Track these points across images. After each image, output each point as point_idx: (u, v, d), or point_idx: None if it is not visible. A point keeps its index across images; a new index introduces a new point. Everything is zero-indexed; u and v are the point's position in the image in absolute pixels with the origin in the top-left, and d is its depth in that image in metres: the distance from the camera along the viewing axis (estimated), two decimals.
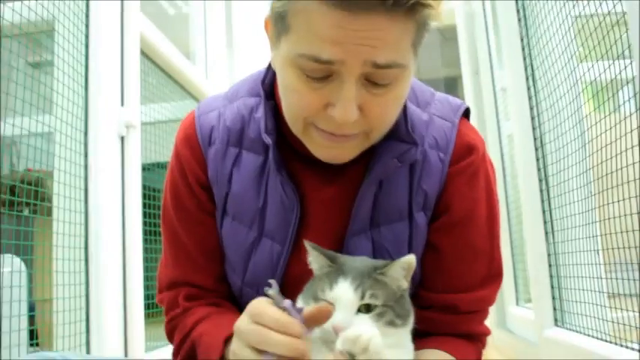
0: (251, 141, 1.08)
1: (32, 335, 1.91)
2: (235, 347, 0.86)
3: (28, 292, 1.85)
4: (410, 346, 0.95)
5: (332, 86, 0.87)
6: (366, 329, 0.77)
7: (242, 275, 1.10)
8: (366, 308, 0.87)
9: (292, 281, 1.07)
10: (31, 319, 1.90)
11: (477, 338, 1.13)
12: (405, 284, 0.95)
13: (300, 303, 0.92)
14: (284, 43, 0.89)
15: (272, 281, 0.85)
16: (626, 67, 1.48)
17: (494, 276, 1.12)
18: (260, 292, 1.08)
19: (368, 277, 0.89)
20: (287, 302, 0.83)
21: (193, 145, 1.11)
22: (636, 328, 1.52)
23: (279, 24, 0.89)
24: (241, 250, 1.09)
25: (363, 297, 0.86)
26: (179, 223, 1.12)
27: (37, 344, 1.91)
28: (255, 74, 1.13)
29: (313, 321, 0.82)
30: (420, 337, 1.03)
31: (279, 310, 0.82)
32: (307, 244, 0.96)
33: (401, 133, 1.00)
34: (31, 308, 1.89)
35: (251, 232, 1.08)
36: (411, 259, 0.92)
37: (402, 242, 1.06)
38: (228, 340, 0.96)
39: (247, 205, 1.08)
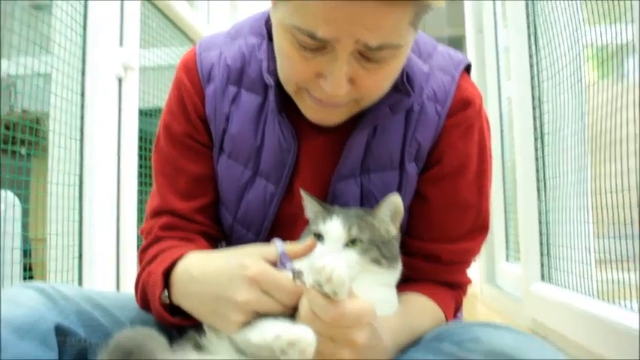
0: (251, 81, 1.08)
1: (28, 270, 1.94)
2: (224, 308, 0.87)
3: (22, 226, 1.87)
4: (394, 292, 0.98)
5: (324, 58, 0.86)
6: (331, 260, 0.78)
7: (234, 213, 1.11)
8: (352, 244, 0.91)
9: (282, 222, 1.09)
10: (26, 254, 1.92)
11: (458, 287, 1.14)
12: (394, 230, 0.97)
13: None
14: (281, 7, 0.88)
15: (277, 240, 0.89)
16: (626, 30, 1.47)
17: (479, 229, 1.11)
18: (251, 231, 1.10)
19: (357, 217, 0.93)
20: (288, 263, 0.88)
21: (194, 79, 1.10)
22: (623, 285, 1.54)
23: None
24: (235, 188, 1.10)
25: (350, 232, 0.90)
26: (168, 149, 1.12)
27: (31, 277, 1.94)
28: (259, 14, 1.12)
29: (301, 254, 0.87)
30: (403, 282, 1.05)
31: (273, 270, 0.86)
32: (303, 193, 1.00)
33: (396, 82, 0.99)
34: (26, 243, 1.92)
35: (246, 171, 1.09)
36: (395, 198, 0.95)
37: (391, 190, 1.06)
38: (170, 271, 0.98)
39: (244, 144, 1.08)
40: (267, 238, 1.07)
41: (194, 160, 1.12)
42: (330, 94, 0.89)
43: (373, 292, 0.89)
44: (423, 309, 1.04)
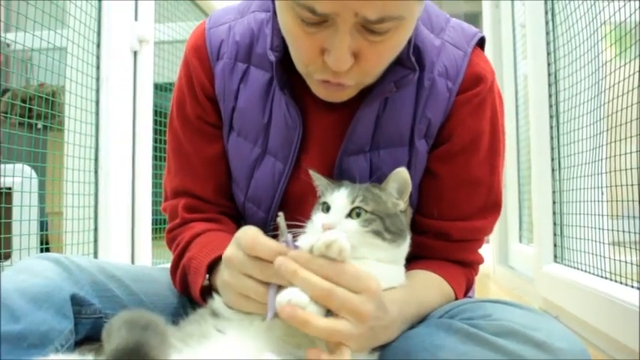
0: (259, 57, 1.08)
1: (44, 242, 1.96)
2: (228, 276, 0.88)
3: (39, 198, 1.89)
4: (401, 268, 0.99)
5: (327, 32, 0.86)
6: (330, 234, 0.82)
7: (245, 191, 1.12)
8: (357, 215, 0.91)
9: (291, 199, 1.09)
10: (42, 227, 1.95)
11: (469, 265, 1.14)
12: (402, 205, 0.97)
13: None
14: None
15: (280, 213, 0.88)
16: None
17: (491, 207, 1.11)
18: (261, 209, 1.11)
19: (364, 190, 0.94)
20: (288, 236, 0.86)
21: (202, 57, 1.11)
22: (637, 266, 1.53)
23: None
24: (245, 166, 1.11)
25: (353, 202, 0.91)
26: (182, 131, 1.14)
27: (48, 250, 1.96)
28: None
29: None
30: (413, 261, 1.06)
31: (270, 240, 0.85)
32: (310, 171, 1.01)
33: (402, 57, 0.98)
34: (43, 215, 1.94)
35: (255, 149, 1.09)
36: (402, 171, 0.96)
37: (401, 167, 1.06)
38: (215, 264, 0.99)
39: (252, 122, 1.09)
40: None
41: (207, 142, 1.13)
42: (333, 68, 0.88)
43: (377, 268, 0.89)
44: (432, 284, 1.05)
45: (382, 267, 0.91)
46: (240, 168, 1.12)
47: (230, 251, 0.88)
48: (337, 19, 0.83)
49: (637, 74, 1.47)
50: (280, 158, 1.08)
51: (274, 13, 0.99)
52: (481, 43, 1.10)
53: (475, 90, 1.05)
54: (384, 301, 0.85)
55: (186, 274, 1.05)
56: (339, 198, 0.92)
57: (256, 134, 1.09)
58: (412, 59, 0.99)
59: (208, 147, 1.13)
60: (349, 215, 0.91)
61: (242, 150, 1.11)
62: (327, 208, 0.93)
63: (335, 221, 0.89)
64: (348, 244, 0.81)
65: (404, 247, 0.97)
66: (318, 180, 1.01)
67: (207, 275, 1.01)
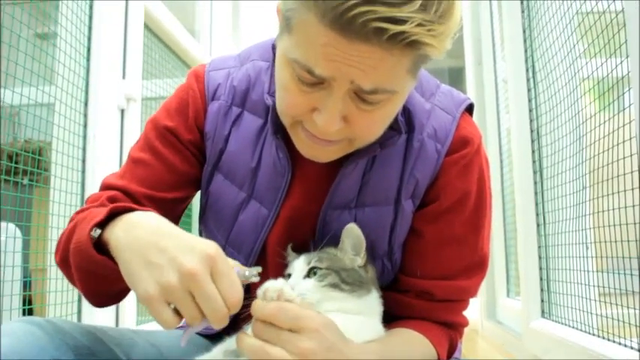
0: (254, 103, 1.10)
1: (27, 302, 1.93)
2: (169, 275, 0.78)
3: (23, 258, 1.87)
4: (371, 320, 1.00)
5: (321, 94, 0.88)
6: (269, 281, 0.87)
7: (227, 234, 1.12)
8: (314, 274, 0.96)
9: (272, 245, 1.10)
10: (26, 287, 1.92)
11: (453, 327, 1.13)
12: (359, 260, 1.01)
13: None
14: (286, 40, 0.89)
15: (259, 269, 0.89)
16: (622, 63, 1.49)
17: (475, 267, 1.11)
18: (241, 253, 1.11)
19: (320, 252, 1.01)
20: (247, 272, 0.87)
21: (201, 90, 1.13)
22: (625, 323, 1.53)
23: (284, 23, 0.89)
24: (229, 209, 1.11)
25: (309, 264, 0.97)
26: (154, 138, 1.12)
27: (31, 311, 1.93)
28: (268, 40, 1.14)
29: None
30: (396, 320, 1.06)
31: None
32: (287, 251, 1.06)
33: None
34: (26, 275, 1.92)
35: (241, 193, 1.10)
36: (352, 227, 1.01)
37: (385, 226, 1.07)
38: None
39: (241, 165, 1.10)
40: (256, 263, 1.09)
41: (179, 156, 1.12)
42: (322, 129, 0.90)
43: (342, 319, 0.91)
44: (411, 341, 1.04)
45: (348, 317, 0.94)
46: (224, 210, 1.12)
47: (192, 261, 0.79)
48: (333, 84, 0.85)
49: (620, 130, 1.49)
50: (266, 204, 1.08)
51: (274, 61, 1.00)
52: (469, 108, 1.13)
53: (462, 152, 1.07)
54: (334, 340, 0.85)
55: (76, 226, 0.95)
56: (298, 264, 0.98)
57: (243, 178, 1.10)
58: (400, 122, 1.01)
59: (173, 169, 1.11)
60: (307, 276, 0.96)
61: (227, 193, 1.11)
62: (289, 276, 0.98)
63: (294, 283, 0.94)
64: (287, 287, 0.87)
65: (369, 299, 0.99)
66: (290, 256, 1.05)
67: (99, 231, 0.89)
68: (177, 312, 0.79)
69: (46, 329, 0.94)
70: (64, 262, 0.99)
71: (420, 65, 0.89)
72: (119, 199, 1.05)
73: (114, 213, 0.90)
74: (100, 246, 0.89)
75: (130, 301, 2.18)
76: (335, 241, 1.03)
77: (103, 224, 0.89)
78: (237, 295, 0.79)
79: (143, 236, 0.82)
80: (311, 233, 1.08)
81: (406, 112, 1.04)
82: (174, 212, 1.14)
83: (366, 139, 0.96)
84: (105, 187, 1.11)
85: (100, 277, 0.92)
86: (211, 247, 0.80)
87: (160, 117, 1.14)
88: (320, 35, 0.81)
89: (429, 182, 1.07)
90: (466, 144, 1.07)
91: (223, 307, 0.78)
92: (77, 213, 1.04)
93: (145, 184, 1.09)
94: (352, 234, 1.00)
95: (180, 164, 1.11)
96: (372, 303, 1.00)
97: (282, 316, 0.83)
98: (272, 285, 0.86)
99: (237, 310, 0.79)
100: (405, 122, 1.03)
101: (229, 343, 0.94)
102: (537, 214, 2.22)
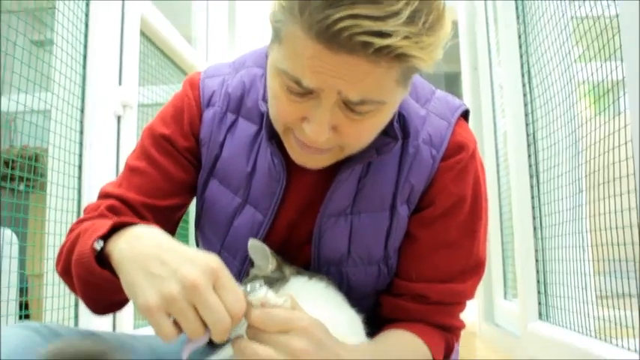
0: (248, 109, 1.10)
1: (24, 308, 1.93)
2: (171, 287, 0.77)
3: (19, 264, 1.87)
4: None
5: (310, 104, 0.88)
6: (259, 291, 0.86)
7: (222, 239, 1.12)
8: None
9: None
10: (22, 292, 1.91)
11: (449, 330, 1.13)
12: (272, 265, 1.04)
13: None
14: (276, 50, 0.90)
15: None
16: (617, 68, 1.50)
17: (471, 271, 1.11)
18: (237, 259, 1.11)
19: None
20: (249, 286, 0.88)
21: (196, 98, 1.13)
22: (622, 325, 1.53)
23: (274, 33, 0.90)
24: (224, 215, 1.11)
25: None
26: (150, 146, 1.12)
27: (28, 316, 1.93)
28: (265, 46, 1.14)
29: None
30: (391, 323, 1.07)
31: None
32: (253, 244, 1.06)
33: (387, 126, 0.99)
34: (23, 281, 1.91)
35: (236, 198, 1.10)
36: (250, 243, 1.05)
37: (381, 231, 1.07)
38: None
39: (236, 171, 1.10)
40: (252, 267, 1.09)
41: (164, 170, 1.11)
42: (311, 138, 0.90)
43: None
44: (404, 341, 1.05)
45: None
46: (219, 216, 1.12)
47: (195, 272, 0.78)
48: (321, 94, 0.85)
49: (615, 134, 1.50)
50: (260, 209, 1.09)
51: None
52: (465, 115, 1.13)
53: (458, 157, 1.07)
54: (325, 339, 0.85)
55: (79, 237, 0.95)
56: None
57: (238, 183, 1.10)
58: (396, 128, 1.01)
59: (168, 176, 1.11)
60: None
61: (222, 198, 1.11)
62: None
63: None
64: (271, 293, 0.86)
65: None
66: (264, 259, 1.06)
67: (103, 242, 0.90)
68: (177, 324, 0.78)
69: (42, 334, 0.94)
70: (65, 273, 0.99)
71: (410, 76, 0.90)
72: (117, 208, 1.06)
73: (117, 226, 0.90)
74: (102, 258, 0.89)
75: (127, 305, 2.17)
76: (331, 247, 1.06)
77: (105, 237, 0.90)
78: (241, 305, 0.79)
79: (145, 249, 0.82)
80: (307, 239, 1.09)
81: (401, 118, 1.05)
82: (171, 219, 1.14)
83: (356, 146, 0.97)
84: (103, 195, 1.12)
85: (101, 288, 0.93)
86: (214, 260, 0.80)
87: (156, 125, 1.14)
88: (306, 47, 0.81)
89: (425, 187, 1.07)
90: (461, 149, 1.08)
91: (227, 317, 0.76)
92: (77, 223, 1.05)
93: (142, 192, 1.09)
94: (252, 249, 1.04)
95: (176, 172, 1.12)
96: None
97: (269, 321, 0.82)
98: (255, 294, 0.84)
99: (239, 320, 0.79)
100: (400, 128, 1.03)
101: (227, 351, 0.93)
102: (534, 217, 2.23)
